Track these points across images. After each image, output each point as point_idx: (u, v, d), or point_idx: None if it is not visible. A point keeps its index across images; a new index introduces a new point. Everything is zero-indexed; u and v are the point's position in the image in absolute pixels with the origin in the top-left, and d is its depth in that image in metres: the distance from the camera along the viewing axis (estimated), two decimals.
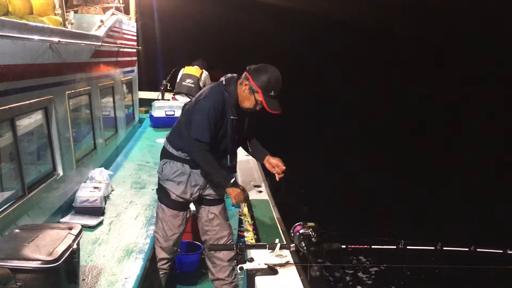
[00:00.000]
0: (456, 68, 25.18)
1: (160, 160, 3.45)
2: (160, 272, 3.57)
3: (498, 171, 12.44)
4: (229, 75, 3.27)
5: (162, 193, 3.44)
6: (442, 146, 15.21)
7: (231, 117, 3.19)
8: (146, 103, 9.77)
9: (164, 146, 3.46)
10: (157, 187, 3.54)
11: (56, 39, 3.91)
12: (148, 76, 12.31)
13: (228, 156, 3.34)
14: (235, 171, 3.58)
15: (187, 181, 3.35)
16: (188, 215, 3.54)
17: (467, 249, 2.68)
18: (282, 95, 3.09)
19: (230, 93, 3.16)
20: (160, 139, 7.51)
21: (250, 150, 3.53)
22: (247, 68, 3.15)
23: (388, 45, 28.83)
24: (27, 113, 3.65)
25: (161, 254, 3.53)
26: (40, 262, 2.34)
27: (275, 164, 3.34)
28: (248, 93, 3.11)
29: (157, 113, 8.52)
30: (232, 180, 3.18)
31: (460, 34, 27.88)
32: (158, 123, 8.48)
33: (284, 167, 3.31)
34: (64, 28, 4.76)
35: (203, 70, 8.41)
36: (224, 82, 3.22)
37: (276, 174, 3.34)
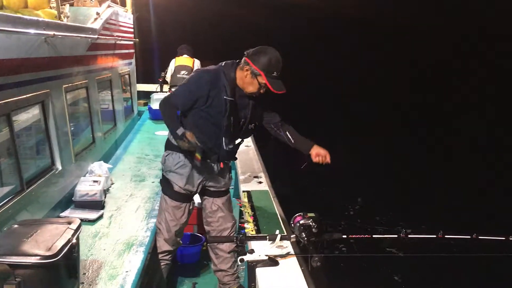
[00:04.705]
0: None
1: (164, 151, 3.44)
2: (162, 264, 3.56)
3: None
4: (229, 61, 3.24)
5: (165, 184, 3.42)
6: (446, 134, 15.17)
7: (225, 97, 3.11)
8: (145, 96, 9.73)
9: (168, 138, 3.43)
10: (159, 178, 3.53)
11: (51, 33, 3.87)
12: (145, 69, 12.25)
13: (224, 138, 3.23)
14: (234, 158, 3.49)
15: (190, 173, 3.33)
16: (191, 207, 3.53)
17: (468, 237, 2.67)
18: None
19: (226, 75, 3.12)
20: (160, 131, 7.50)
21: (292, 142, 3.39)
22: (245, 53, 3.11)
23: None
24: (24, 107, 3.62)
25: (163, 246, 3.51)
26: (39, 257, 2.32)
27: (323, 154, 3.27)
28: (251, 77, 3.06)
29: (156, 105, 8.47)
30: (179, 131, 3.08)
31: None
32: (157, 116, 8.44)
33: (329, 161, 3.27)
34: (59, 22, 4.71)
35: (194, 59, 8.34)
36: (223, 64, 3.20)
37: (314, 158, 3.28)
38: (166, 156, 3.38)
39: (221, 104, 3.13)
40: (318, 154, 3.28)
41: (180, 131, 3.08)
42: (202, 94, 3.10)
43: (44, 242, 2.45)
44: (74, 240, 2.59)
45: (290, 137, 3.39)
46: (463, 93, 20.66)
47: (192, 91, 3.13)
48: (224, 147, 3.27)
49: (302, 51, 27.17)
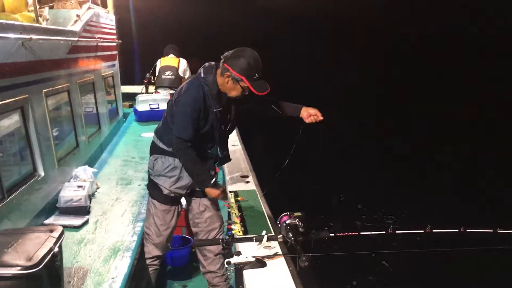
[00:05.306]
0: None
1: (150, 155, 3.39)
2: (150, 269, 3.52)
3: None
4: (206, 64, 3.18)
5: (154, 189, 3.38)
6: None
7: (214, 109, 3.10)
8: (130, 98, 9.61)
9: (153, 141, 3.38)
10: (146, 182, 3.48)
11: (28, 36, 3.78)
12: (129, 70, 12.11)
13: (218, 147, 3.30)
14: (229, 160, 3.51)
15: (179, 175, 3.29)
16: (179, 209, 3.51)
17: (456, 231, 2.67)
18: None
19: (209, 86, 3.07)
20: (146, 133, 7.41)
21: (280, 112, 3.37)
22: (222, 57, 3.05)
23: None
24: (2, 114, 3.53)
25: (153, 251, 3.47)
26: (19, 268, 2.26)
27: (313, 113, 3.28)
28: (233, 83, 3.01)
29: (141, 107, 8.37)
30: (212, 181, 3.16)
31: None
32: (142, 117, 8.34)
33: (321, 118, 3.27)
34: (36, 25, 4.61)
35: (180, 58, 8.26)
36: (202, 75, 3.12)
37: (307, 119, 3.28)
38: (154, 160, 3.33)
39: (212, 117, 3.13)
40: (309, 114, 3.28)
41: (213, 180, 3.16)
42: (200, 112, 3.07)
43: (25, 252, 2.38)
44: (56, 249, 2.52)
45: (276, 109, 3.37)
46: (463, 94, 20.69)
47: (191, 115, 3.05)
48: (220, 155, 3.33)
49: (296, 50, 27.17)
